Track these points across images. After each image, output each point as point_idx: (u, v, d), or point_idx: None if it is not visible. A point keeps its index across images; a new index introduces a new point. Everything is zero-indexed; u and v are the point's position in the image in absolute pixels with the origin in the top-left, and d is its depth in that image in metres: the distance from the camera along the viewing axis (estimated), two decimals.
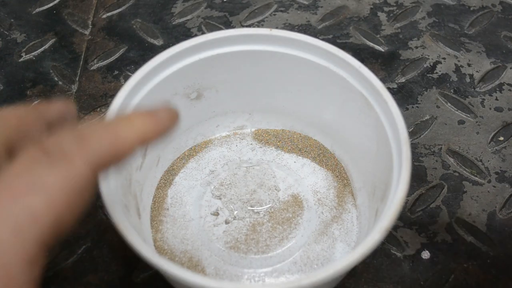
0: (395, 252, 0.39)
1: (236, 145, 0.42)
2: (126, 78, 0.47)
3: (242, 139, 0.43)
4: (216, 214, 0.39)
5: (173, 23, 0.53)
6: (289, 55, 0.37)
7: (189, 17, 0.53)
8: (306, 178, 0.41)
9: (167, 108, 0.26)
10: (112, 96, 0.46)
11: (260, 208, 0.39)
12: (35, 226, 0.22)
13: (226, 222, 0.39)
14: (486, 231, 0.40)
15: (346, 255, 0.29)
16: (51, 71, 0.50)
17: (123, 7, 0.54)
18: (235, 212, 0.39)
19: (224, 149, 0.42)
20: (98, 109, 0.47)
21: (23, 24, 0.54)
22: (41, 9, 0.55)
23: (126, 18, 0.54)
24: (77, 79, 0.49)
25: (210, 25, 0.52)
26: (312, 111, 0.40)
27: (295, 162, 0.42)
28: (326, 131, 0.41)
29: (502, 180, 0.42)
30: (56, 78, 0.49)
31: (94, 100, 0.47)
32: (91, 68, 0.50)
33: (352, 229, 0.38)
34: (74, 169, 0.23)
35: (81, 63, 0.50)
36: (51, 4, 0.55)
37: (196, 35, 0.52)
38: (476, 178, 0.42)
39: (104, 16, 0.54)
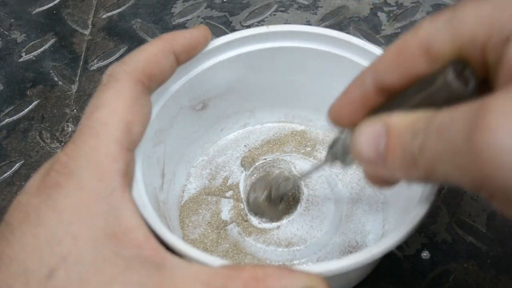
0: (395, 252, 0.39)
1: (245, 145, 0.42)
2: None
3: (248, 138, 0.43)
4: (244, 219, 0.38)
5: (173, 23, 0.53)
6: (287, 48, 0.37)
7: (189, 17, 0.53)
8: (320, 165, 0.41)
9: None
10: None
11: (289, 201, 0.39)
12: None
13: (259, 223, 0.38)
14: (486, 231, 0.40)
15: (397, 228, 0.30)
16: (51, 71, 0.50)
17: (123, 7, 0.54)
18: (262, 213, 0.38)
19: (233, 150, 0.42)
20: None
21: (23, 24, 0.54)
22: (41, 9, 0.55)
23: (126, 18, 0.54)
24: (77, 79, 0.49)
25: (210, 25, 0.52)
26: (316, 97, 0.40)
27: (301, 151, 0.41)
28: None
29: None
30: (56, 78, 0.49)
31: None
32: (91, 68, 0.50)
33: (377, 199, 0.39)
34: None
35: (81, 63, 0.50)
36: (51, 4, 0.55)
37: None
38: None
39: (104, 16, 0.54)
